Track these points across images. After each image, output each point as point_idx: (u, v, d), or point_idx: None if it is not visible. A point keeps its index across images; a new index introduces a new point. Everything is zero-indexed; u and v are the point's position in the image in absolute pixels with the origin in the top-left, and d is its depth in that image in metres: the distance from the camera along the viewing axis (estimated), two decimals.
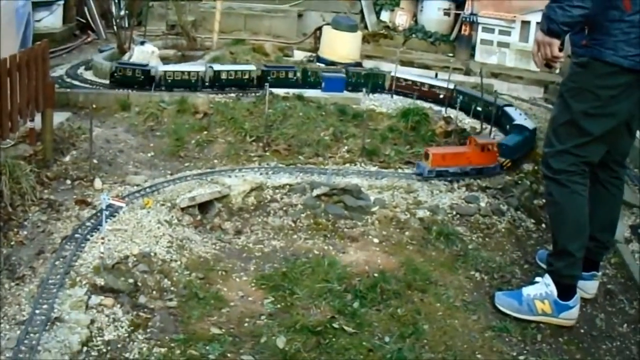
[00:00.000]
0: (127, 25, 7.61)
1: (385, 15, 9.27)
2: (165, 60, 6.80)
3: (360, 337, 3.29)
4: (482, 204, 4.61)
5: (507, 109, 5.59)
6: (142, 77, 5.89)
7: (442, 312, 3.59)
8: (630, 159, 4.22)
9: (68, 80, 6.21)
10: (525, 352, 3.39)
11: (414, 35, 8.82)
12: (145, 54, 6.50)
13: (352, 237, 4.22)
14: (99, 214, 3.85)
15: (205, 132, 5.29)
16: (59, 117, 4.92)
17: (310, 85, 6.24)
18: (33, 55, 4.32)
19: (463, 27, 8.44)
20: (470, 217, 4.50)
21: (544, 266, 3.93)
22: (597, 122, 3.36)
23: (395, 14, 9.12)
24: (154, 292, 3.44)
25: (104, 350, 2.99)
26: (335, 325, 3.33)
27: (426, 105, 6.04)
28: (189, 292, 3.51)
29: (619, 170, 3.66)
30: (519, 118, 5.40)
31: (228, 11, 8.67)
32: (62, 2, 8.26)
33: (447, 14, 8.86)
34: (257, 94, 5.84)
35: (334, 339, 3.25)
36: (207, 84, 6.01)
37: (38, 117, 4.46)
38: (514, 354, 3.36)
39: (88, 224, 3.84)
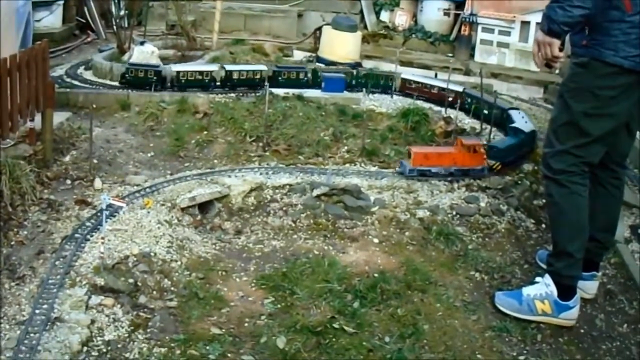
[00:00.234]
0: (127, 25, 7.60)
1: (385, 16, 9.27)
2: (165, 60, 6.79)
3: (360, 337, 3.29)
4: (482, 204, 4.62)
5: (511, 112, 5.52)
6: (155, 77, 5.89)
7: (442, 312, 3.59)
8: (629, 160, 4.23)
9: (68, 80, 6.21)
10: (525, 352, 3.39)
11: (413, 36, 8.82)
12: (145, 54, 6.49)
13: (352, 237, 4.23)
14: (99, 214, 3.85)
15: (205, 132, 5.29)
16: (58, 117, 4.91)
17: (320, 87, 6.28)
18: (33, 55, 4.32)
19: (463, 28, 8.44)
20: (470, 217, 4.50)
21: (544, 266, 3.93)
22: (596, 123, 3.37)
23: (395, 14, 9.12)
24: (154, 292, 3.44)
25: (104, 350, 2.99)
26: (336, 325, 3.34)
27: (426, 105, 6.04)
28: (189, 292, 3.51)
29: (618, 171, 3.66)
30: (520, 121, 5.34)
31: (228, 11, 8.67)
32: (62, 2, 8.27)
33: (446, 14, 8.85)
34: (257, 94, 5.84)
35: (334, 339, 3.25)
36: (218, 84, 6.03)
37: (38, 117, 4.46)
38: (514, 354, 3.37)
39: (88, 224, 3.84)
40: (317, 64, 7.41)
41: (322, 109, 5.73)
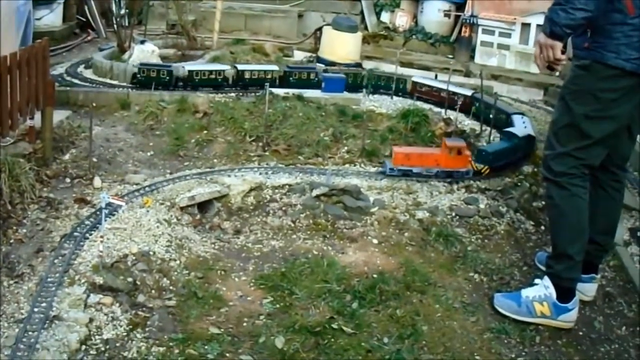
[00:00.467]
0: (127, 24, 7.60)
1: (385, 16, 9.28)
2: (165, 59, 6.80)
3: (359, 337, 3.29)
4: (482, 206, 4.62)
5: (514, 116, 5.46)
6: (168, 77, 5.89)
7: (441, 313, 3.58)
8: (630, 163, 4.22)
9: (68, 78, 6.21)
10: (523, 354, 3.39)
11: (414, 37, 8.83)
12: (145, 53, 6.50)
13: (351, 238, 4.22)
14: (98, 213, 3.85)
15: (205, 132, 5.29)
16: (58, 116, 4.91)
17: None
18: (33, 54, 4.32)
19: (463, 29, 8.45)
20: (469, 218, 4.50)
21: (543, 268, 3.94)
22: (597, 125, 3.36)
23: (395, 15, 9.12)
24: (153, 291, 3.44)
25: (103, 349, 2.98)
26: (334, 325, 3.33)
27: (426, 106, 6.03)
28: (188, 291, 3.51)
29: (619, 174, 3.66)
30: (519, 126, 5.28)
31: (228, 11, 8.68)
32: (62, 1, 8.28)
33: (447, 15, 8.86)
34: (257, 94, 5.84)
35: (332, 340, 3.25)
36: (231, 83, 6.05)
37: (38, 115, 4.46)
38: (513, 355, 3.36)
39: (87, 222, 3.83)
40: (317, 63, 7.42)
41: (322, 109, 5.73)
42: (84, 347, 2.95)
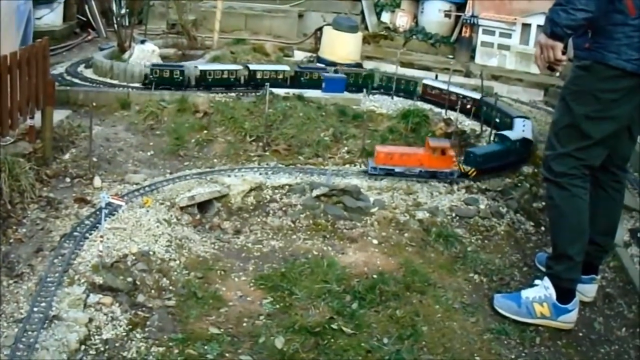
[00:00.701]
0: (127, 23, 7.60)
1: (385, 17, 9.28)
2: (165, 59, 6.80)
3: (358, 338, 3.29)
4: (482, 206, 4.61)
5: (517, 119, 5.41)
6: (181, 77, 5.90)
7: (441, 314, 3.58)
8: (630, 163, 4.22)
9: (68, 78, 6.22)
10: (523, 355, 3.38)
11: (414, 37, 8.82)
12: (145, 52, 6.50)
13: (351, 238, 4.22)
14: (98, 212, 3.85)
15: (205, 132, 5.29)
16: (58, 115, 4.91)
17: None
18: (33, 53, 4.31)
19: (464, 29, 8.45)
20: (469, 219, 4.50)
21: (543, 269, 3.93)
22: (598, 126, 3.36)
23: (395, 15, 9.12)
24: (153, 291, 3.44)
25: (102, 349, 2.98)
26: (334, 326, 3.33)
27: (426, 106, 6.03)
28: (188, 291, 3.50)
29: (619, 174, 3.66)
30: (518, 129, 5.22)
31: (229, 11, 8.68)
32: (62, 0, 8.26)
33: (447, 15, 8.86)
34: (258, 94, 5.84)
35: (332, 340, 3.25)
36: (242, 83, 6.08)
37: (38, 115, 4.46)
38: (512, 356, 3.36)
39: (87, 222, 3.83)
40: (318, 63, 7.42)
41: (323, 109, 5.74)
42: (83, 347, 2.94)
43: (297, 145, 5.23)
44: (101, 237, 3.53)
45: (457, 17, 8.77)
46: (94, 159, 4.61)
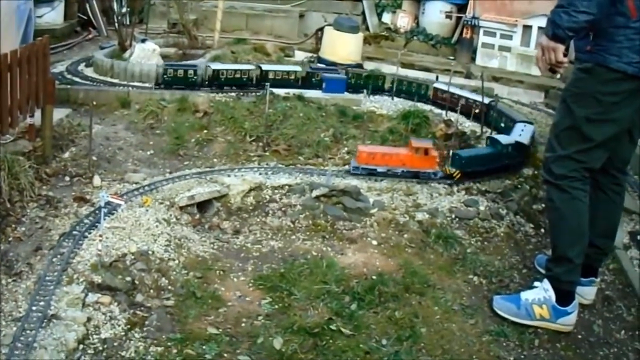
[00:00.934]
0: (128, 22, 7.60)
1: (386, 17, 9.28)
2: (166, 58, 6.80)
3: (357, 339, 3.28)
4: (482, 208, 4.61)
5: (518, 124, 5.36)
6: (195, 76, 5.91)
7: (440, 315, 3.58)
8: (630, 166, 4.22)
9: (68, 76, 6.22)
10: (522, 357, 3.38)
11: (415, 38, 8.82)
12: (146, 51, 6.50)
13: (350, 239, 4.21)
14: (97, 211, 3.84)
15: (205, 131, 5.29)
16: (58, 114, 4.91)
17: (354, 89, 6.40)
18: (34, 51, 4.31)
19: (464, 30, 8.44)
20: (469, 220, 4.49)
21: (542, 271, 3.93)
22: (599, 128, 3.36)
23: (396, 16, 9.12)
24: (151, 291, 3.43)
25: (100, 348, 2.97)
26: (333, 327, 3.32)
27: (426, 107, 6.03)
28: (187, 291, 3.50)
29: (620, 177, 3.65)
30: (515, 132, 5.18)
31: (230, 10, 8.68)
32: None
33: (448, 16, 8.86)
34: (258, 94, 5.84)
35: (331, 341, 3.24)
36: (255, 83, 6.11)
37: (38, 113, 4.46)
38: (511, 358, 3.35)
39: (86, 221, 3.83)
40: (318, 63, 7.41)
41: (323, 109, 5.73)
42: (81, 346, 2.94)
43: (297, 145, 5.23)
44: (100, 236, 3.52)
45: (458, 19, 8.77)
46: (94, 158, 4.61)
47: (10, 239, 3.64)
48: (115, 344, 3.02)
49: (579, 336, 3.60)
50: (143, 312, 3.26)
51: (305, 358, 3.12)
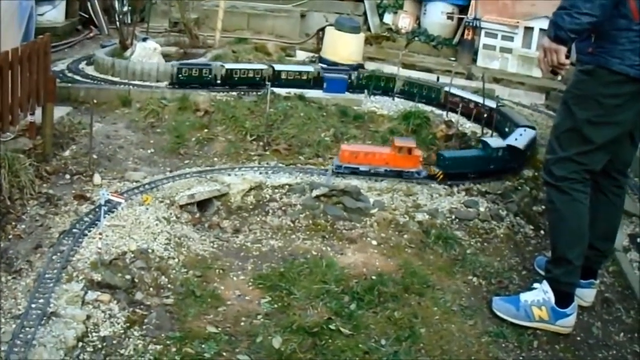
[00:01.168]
0: (129, 21, 7.60)
1: (388, 18, 9.28)
2: (167, 57, 6.80)
3: (356, 339, 3.28)
4: (482, 209, 4.61)
5: (518, 128, 5.30)
6: (210, 76, 5.93)
7: (439, 316, 3.58)
8: (630, 168, 4.22)
9: (69, 74, 6.22)
10: (521, 358, 3.38)
11: (416, 38, 8.82)
12: (147, 50, 6.50)
13: (350, 239, 4.21)
14: (97, 210, 3.85)
15: (206, 130, 5.29)
16: (59, 112, 4.91)
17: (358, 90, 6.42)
18: (35, 49, 4.31)
19: (466, 32, 8.44)
20: (469, 221, 4.49)
21: (542, 272, 3.93)
22: (600, 131, 3.36)
23: (398, 17, 9.12)
24: (151, 289, 3.43)
25: (100, 346, 2.97)
26: (332, 326, 3.32)
27: (427, 108, 6.03)
28: (186, 289, 3.50)
29: (620, 179, 3.65)
30: (513, 136, 5.12)
31: (231, 10, 8.68)
32: None
33: (450, 17, 8.86)
34: (259, 93, 5.84)
35: (330, 341, 3.24)
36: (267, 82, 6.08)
37: (38, 111, 4.45)
38: (510, 359, 3.36)
39: (86, 219, 3.83)
40: (320, 63, 7.41)
41: (324, 109, 5.73)
42: (80, 343, 2.94)
43: (298, 145, 5.23)
44: (100, 234, 3.52)
45: (460, 20, 8.77)
46: (94, 156, 4.61)
47: (10, 236, 3.64)
48: (115, 341, 3.02)
49: (578, 338, 3.61)
50: (142, 311, 3.26)
51: (304, 357, 3.12)
